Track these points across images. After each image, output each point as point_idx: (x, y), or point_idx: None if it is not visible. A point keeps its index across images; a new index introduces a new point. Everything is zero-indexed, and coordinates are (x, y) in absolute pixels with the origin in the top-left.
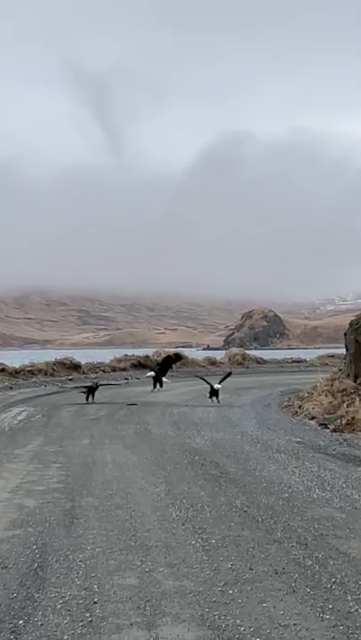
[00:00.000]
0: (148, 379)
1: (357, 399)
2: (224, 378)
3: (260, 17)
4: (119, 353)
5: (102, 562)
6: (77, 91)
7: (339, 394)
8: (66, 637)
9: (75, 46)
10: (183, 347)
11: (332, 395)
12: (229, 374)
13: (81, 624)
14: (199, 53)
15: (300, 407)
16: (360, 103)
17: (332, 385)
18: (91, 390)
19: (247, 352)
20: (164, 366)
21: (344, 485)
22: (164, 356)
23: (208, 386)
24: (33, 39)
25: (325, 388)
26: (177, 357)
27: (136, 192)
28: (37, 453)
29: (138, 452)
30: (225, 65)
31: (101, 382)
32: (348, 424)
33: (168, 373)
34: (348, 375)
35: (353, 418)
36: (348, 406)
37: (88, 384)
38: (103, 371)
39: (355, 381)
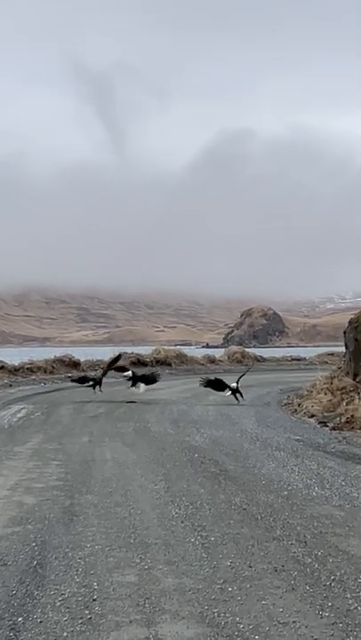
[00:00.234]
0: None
1: (357, 397)
2: (243, 374)
3: (260, 15)
4: (118, 351)
5: (101, 559)
6: (79, 88)
7: (338, 392)
8: (65, 634)
9: (76, 44)
10: (182, 345)
11: (332, 393)
12: (249, 369)
13: (80, 621)
14: (200, 51)
15: (299, 405)
16: None
17: (331, 383)
18: (96, 382)
19: (246, 350)
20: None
21: (343, 483)
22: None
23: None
24: (34, 37)
25: (325, 386)
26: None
27: (136, 190)
28: (37, 451)
29: (137, 450)
30: (226, 63)
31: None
32: (347, 422)
33: (167, 371)
34: (348, 373)
35: (352, 416)
36: (347, 404)
37: (92, 376)
38: (102, 368)
39: (354, 379)
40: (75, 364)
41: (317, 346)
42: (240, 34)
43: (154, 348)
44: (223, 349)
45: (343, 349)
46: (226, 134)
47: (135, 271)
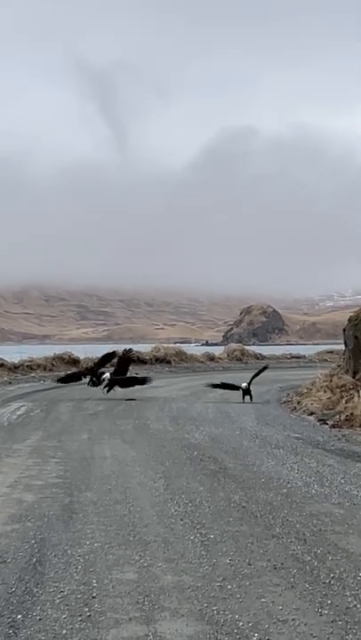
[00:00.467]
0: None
1: (356, 395)
2: (258, 373)
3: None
4: (118, 348)
5: (101, 557)
6: (80, 86)
7: (338, 390)
8: (64, 632)
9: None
10: (182, 342)
11: (331, 390)
12: (265, 368)
13: (79, 618)
14: (201, 49)
15: (298, 403)
16: None
17: (330, 381)
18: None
19: (246, 348)
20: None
21: (343, 481)
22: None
23: (205, 383)
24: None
25: (324, 383)
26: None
27: (137, 188)
28: (36, 448)
29: (136, 447)
30: (227, 61)
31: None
32: (346, 420)
33: (167, 369)
34: (347, 371)
35: (352, 414)
36: (346, 402)
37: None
38: (94, 364)
39: (353, 377)
40: (74, 362)
41: (317, 343)
42: (241, 31)
43: (153, 345)
44: (223, 347)
45: (343, 347)
46: (227, 133)
47: (135, 269)
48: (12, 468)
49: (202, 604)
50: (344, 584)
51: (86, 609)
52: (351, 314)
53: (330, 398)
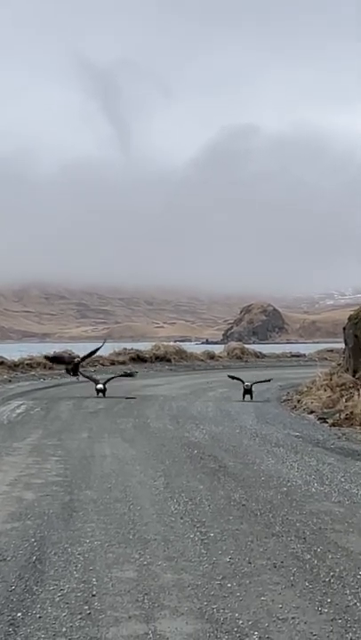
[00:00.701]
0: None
1: (356, 394)
2: (261, 382)
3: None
4: (118, 347)
5: (101, 555)
6: (81, 85)
7: (337, 388)
8: (64, 630)
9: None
10: (182, 341)
11: (331, 389)
12: (269, 380)
13: (79, 617)
14: (203, 48)
15: (298, 401)
16: None
17: (330, 379)
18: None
19: (246, 346)
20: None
21: (343, 479)
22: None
23: (205, 382)
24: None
25: (324, 382)
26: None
27: (138, 186)
28: (36, 446)
29: (137, 446)
30: (229, 60)
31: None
32: (346, 418)
33: (167, 367)
34: (347, 370)
35: (351, 412)
36: (346, 401)
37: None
38: (102, 364)
39: (353, 376)
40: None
41: (317, 342)
42: (242, 31)
43: (153, 344)
44: (223, 345)
45: (343, 346)
46: (228, 131)
47: (135, 267)
48: (12, 466)
49: (202, 603)
50: (344, 582)
51: (86, 607)
52: (351, 312)
53: (330, 397)
